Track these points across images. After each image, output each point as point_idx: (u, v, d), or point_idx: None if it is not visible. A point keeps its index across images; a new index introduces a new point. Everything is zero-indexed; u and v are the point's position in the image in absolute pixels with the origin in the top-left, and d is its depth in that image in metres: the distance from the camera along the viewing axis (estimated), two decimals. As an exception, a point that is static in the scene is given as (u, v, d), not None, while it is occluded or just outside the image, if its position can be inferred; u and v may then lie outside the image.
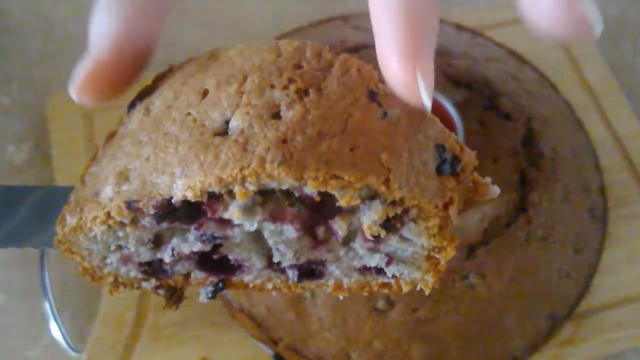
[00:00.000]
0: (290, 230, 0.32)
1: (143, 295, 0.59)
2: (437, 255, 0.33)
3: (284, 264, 0.35)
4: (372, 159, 0.30)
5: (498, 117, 0.60)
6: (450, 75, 0.62)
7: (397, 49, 0.30)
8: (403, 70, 0.30)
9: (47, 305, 0.58)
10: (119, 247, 0.35)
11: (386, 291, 0.36)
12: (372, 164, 0.30)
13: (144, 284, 0.36)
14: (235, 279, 0.36)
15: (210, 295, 0.37)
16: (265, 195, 0.32)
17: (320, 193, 0.31)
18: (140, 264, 0.36)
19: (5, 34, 0.77)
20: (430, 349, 0.54)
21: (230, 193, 0.31)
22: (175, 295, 0.37)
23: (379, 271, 0.35)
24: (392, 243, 0.33)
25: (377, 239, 0.32)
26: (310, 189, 0.30)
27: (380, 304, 0.54)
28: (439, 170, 0.33)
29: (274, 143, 0.30)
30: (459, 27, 0.69)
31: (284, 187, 0.30)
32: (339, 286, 0.36)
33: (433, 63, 0.31)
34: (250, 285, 0.37)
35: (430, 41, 0.31)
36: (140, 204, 0.32)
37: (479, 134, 0.59)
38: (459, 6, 0.75)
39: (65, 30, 0.78)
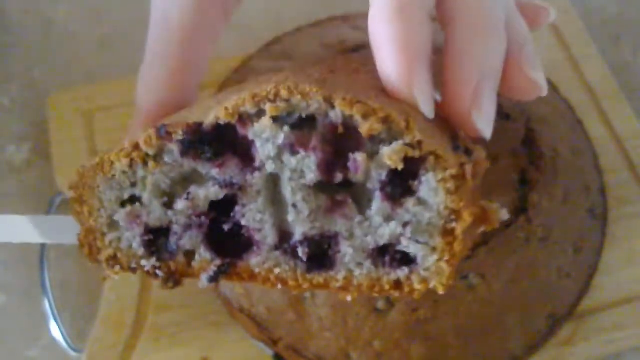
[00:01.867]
0: (311, 166, 0.33)
1: (143, 295, 0.59)
2: (453, 225, 0.33)
3: (297, 233, 0.34)
4: (395, 105, 0.33)
5: (498, 117, 0.60)
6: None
7: (393, 65, 0.34)
8: (402, 91, 0.34)
9: (47, 305, 0.58)
10: (132, 200, 0.34)
11: (397, 294, 0.35)
12: (395, 107, 0.33)
13: (143, 262, 0.35)
14: (241, 264, 0.35)
15: (211, 278, 0.35)
16: (291, 125, 0.32)
17: (343, 124, 0.32)
18: (146, 231, 0.34)
19: (5, 34, 0.77)
20: (430, 349, 0.54)
21: (261, 114, 0.32)
22: (172, 280, 0.36)
23: (392, 260, 0.34)
24: (409, 207, 0.33)
25: (394, 201, 0.32)
26: (337, 112, 0.32)
27: (380, 304, 0.54)
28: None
29: (311, 81, 0.33)
30: (459, 27, 0.69)
31: (312, 109, 0.32)
32: (348, 282, 0.35)
33: (429, 75, 0.34)
34: (256, 272, 0.35)
35: (425, 57, 0.35)
36: (170, 128, 0.33)
37: (479, 134, 0.59)
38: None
39: (65, 30, 0.78)
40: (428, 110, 0.34)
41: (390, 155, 0.32)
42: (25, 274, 0.62)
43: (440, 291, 0.34)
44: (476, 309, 0.54)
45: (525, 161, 0.58)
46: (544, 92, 0.39)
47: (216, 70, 0.69)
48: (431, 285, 0.34)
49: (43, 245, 0.60)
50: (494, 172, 0.50)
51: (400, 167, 0.32)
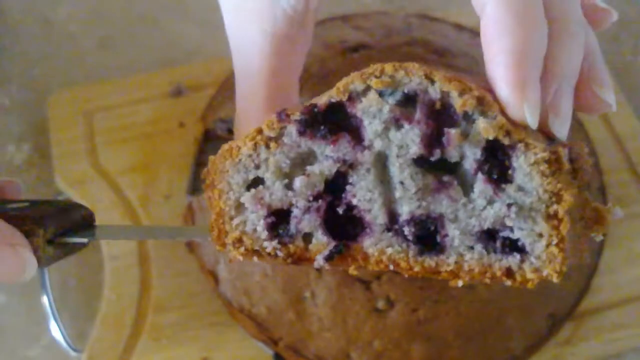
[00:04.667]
0: (415, 139, 0.35)
1: (143, 295, 0.59)
2: (555, 207, 0.34)
3: (404, 212, 0.36)
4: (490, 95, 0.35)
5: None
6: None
7: (508, 83, 0.34)
8: (512, 99, 0.35)
9: (47, 305, 0.58)
10: (256, 182, 0.37)
11: (509, 282, 0.36)
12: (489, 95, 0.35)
13: (265, 244, 0.38)
14: (355, 245, 0.37)
15: (327, 257, 0.37)
16: (395, 102, 0.36)
17: (441, 100, 0.35)
18: (269, 214, 0.37)
19: (5, 34, 0.77)
20: (430, 349, 0.54)
21: (367, 91, 0.36)
22: (291, 260, 0.39)
23: (503, 246, 0.35)
24: (510, 192, 0.35)
25: (495, 183, 0.35)
26: (436, 88, 0.35)
27: (380, 304, 0.54)
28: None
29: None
30: (459, 27, 0.69)
31: (413, 84, 0.35)
32: (459, 266, 0.36)
33: (537, 84, 0.35)
34: (369, 252, 0.37)
35: (536, 67, 0.35)
36: (289, 111, 0.36)
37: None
38: (458, 6, 0.75)
39: (65, 30, 0.78)
40: (534, 123, 0.35)
41: (484, 126, 0.34)
42: (25, 274, 0.62)
43: (555, 279, 0.35)
44: (476, 309, 0.54)
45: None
46: (613, 109, 0.39)
47: (216, 70, 0.69)
48: (544, 274, 0.35)
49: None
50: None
51: (491, 135, 0.34)
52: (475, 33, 0.69)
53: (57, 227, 0.41)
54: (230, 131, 0.65)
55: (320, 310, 0.54)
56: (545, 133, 0.37)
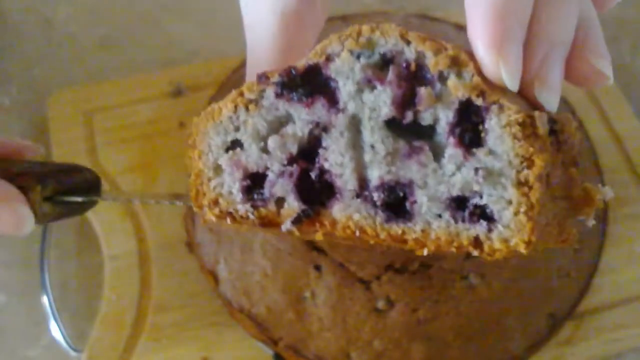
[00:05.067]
0: (386, 100, 0.35)
1: (143, 295, 0.59)
2: (526, 173, 0.33)
3: (373, 177, 0.36)
4: (469, 56, 0.34)
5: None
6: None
7: (483, 39, 0.33)
8: (487, 58, 0.33)
9: (47, 305, 0.58)
10: (234, 145, 0.38)
11: (477, 252, 0.35)
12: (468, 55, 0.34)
13: (239, 207, 0.39)
14: (324, 211, 0.38)
15: (295, 220, 0.38)
16: (369, 63, 0.36)
17: (416, 61, 0.34)
18: (245, 177, 0.38)
19: (5, 34, 0.77)
20: (430, 349, 0.54)
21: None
22: (261, 223, 0.39)
23: (471, 215, 0.34)
24: (480, 157, 0.34)
25: (465, 147, 0.34)
26: (411, 49, 0.34)
27: (380, 304, 0.54)
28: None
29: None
30: (459, 27, 0.69)
31: (389, 45, 0.35)
32: (426, 234, 0.36)
33: (519, 46, 0.33)
34: (337, 218, 0.37)
35: (518, 26, 0.33)
36: (268, 73, 0.37)
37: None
38: (458, 6, 0.75)
39: (65, 30, 0.78)
40: (512, 85, 0.33)
41: (454, 85, 0.33)
42: (25, 274, 0.62)
43: (523, 250, 0.34)
44: (476, 309, 0.54)
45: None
46: (609, 82, 0.37)
47: (216, 70, 0.69)
48: (512, 244, 0.34)
49: (43, 245, 0.60)
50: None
51: (462, 95, 0.33)
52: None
53: (58, 186, 0.43)
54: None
55: (320, 310, 0.54)
56: (533, 104, 0.35)
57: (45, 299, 0.59)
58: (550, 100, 0.35)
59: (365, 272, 0.53)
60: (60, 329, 0.58)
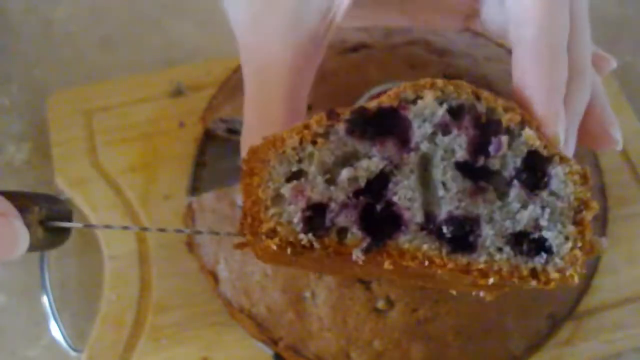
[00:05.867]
0: (462, 144, 0.38)
1: (143, 295, 0.59)
2: (582, 215, 0.38)
3: (443, 211, 0.38)
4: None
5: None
6: (450, 75, 0.62)
7: (547, 103, 0.39)
8: (550, 118, 0.39)
9: (47, 305, 0.58)
10: (298, 175, 0.38)
11: (534, 283, 0.38)
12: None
13: (301, 236, 0.38)
14: (390, 242, 0.38)
15: (364, 250, 0.38)
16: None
17: (486, 114, 0.38)
18: (307, 207, 0.38)
19: (5, 34, 0.77)
20: (430, 349, 0.54)
21: (417, 101, 0.38)
22: (326, 253, 0.39)
23: (530, 249, 0.38)
24: (543, 197, 0.38)
25: (529, 189, 0.38)
26: (482, 104, 0.38)
27: (380, 304, 0.54)
28: None
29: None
30: (459, 27, 0.69)
31: (462, 98, 0.38)
32: (489, 266, 0.38)
33: (564, 114, 0.39)
34: (404, 248, 0.38)
35: (563, 92, 0.39)
36: (339, 110, 0.38)
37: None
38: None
39: (65, 30, 0.78)
40: (564, 140, 0.39)
41: (531, 135, 0.38)
42: (25, 274, 0.62)
43: (576, 280, 0.38)
44: (476, 309, 0.54)
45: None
46: (619, 147, 0.46)
47: (216, 70, 0.69)
48: (567, 274, 0.38)
49: (43, 245, 0.60)
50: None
51: (536, 144, 0.38)
52: (475, 33, 0.69)
53: (49, 211, 0.42)
54: (230, 131, 0.65)
55: (320, 310, 0.54)
56: None
57: (45, 299, 0.59)
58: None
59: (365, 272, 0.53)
60: (60, 329, 0.58)
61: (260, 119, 0.44)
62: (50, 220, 0.42)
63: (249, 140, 0.43)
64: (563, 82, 0.39)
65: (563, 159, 0.38)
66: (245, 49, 0.45)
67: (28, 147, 0.69)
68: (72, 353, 0.57)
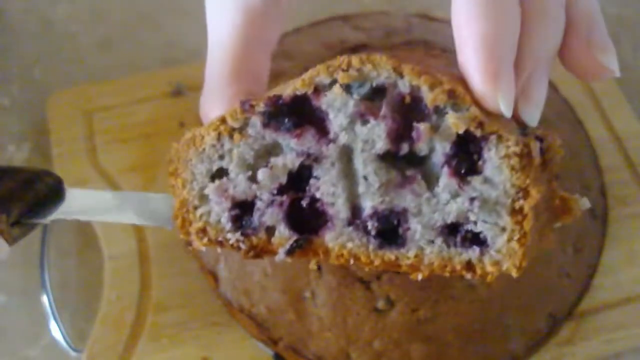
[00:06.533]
0: (380, 134, 0.34)
1: (143, 295, 0.59)
2: (521, 203, 0.34)
3: (367, 206, 0.36)
4: (462, 85, 0.34)
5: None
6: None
7: (479, 74, 0.33)
8: (485, 91, 0.33)
9: (47, 305, 0.58)
10: (220, 174, 0.37)
11: (469, 276, 0.36)
12: (462, 85, 0.34)
13: (229, 236, 0.38)
14: (316, 240, 0.37)
15: (288, 251, 0.37)
16: (362, 96, 0.35)
17: (410, 95, 0.34)
18: (233, 206, 0.37)
19: (5, 34, 0.77)
20: (430, 349, 0.54)
21: (334, 84, 0.35)
22: (253, 253, 0.38)
23: (463, 240, 0.35)
24: (475, 185, 0.34)
25: (460, 177, 0.34)
26: (405, 82, 0.34)
27: (380, 304, 0.54)
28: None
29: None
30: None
31: (382, 78, 0.34)
32: (419, 260, 0.36)
33: (511, 73, 0.33)
34: (330, 247, 0.37)
35: (509, 52, 0.33)
36: (253, 102, 0.36)
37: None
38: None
39: (65, 30, 0.78)
40: (508, 112, 0.34)
41: (454, 121, 0.33)
42: (25, 274, 0.62)
43: (514, 274, 0.35)
44: (476, 309, 0.54)
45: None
46: (616, 74, 0.38)
47: (216, 70, 0.69)
48: (504, 268, 0.35)
49: (43, 245, 0.60)
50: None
51: (462, 130, 0.33)
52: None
53: (22, 208, 0.41)
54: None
55: (320, 310, 0.54)
56: (516, 118, 0.36)
57: (45, 299, 0.59)
58: (533, 116, 0.36)
59: (365, 272, 0.53)
60: (60, 329, 0.58)
61: (212, 81, 0.42)
62: (26, 214, 0.41)
63: (204, 105, 0.42)
64: (507, 35, 0.33)
65: (501, 139, 0.33)
66: (207, 9, 0.44)
67: (28, 147, 0.69)
68: (72, 353, 0.57)
